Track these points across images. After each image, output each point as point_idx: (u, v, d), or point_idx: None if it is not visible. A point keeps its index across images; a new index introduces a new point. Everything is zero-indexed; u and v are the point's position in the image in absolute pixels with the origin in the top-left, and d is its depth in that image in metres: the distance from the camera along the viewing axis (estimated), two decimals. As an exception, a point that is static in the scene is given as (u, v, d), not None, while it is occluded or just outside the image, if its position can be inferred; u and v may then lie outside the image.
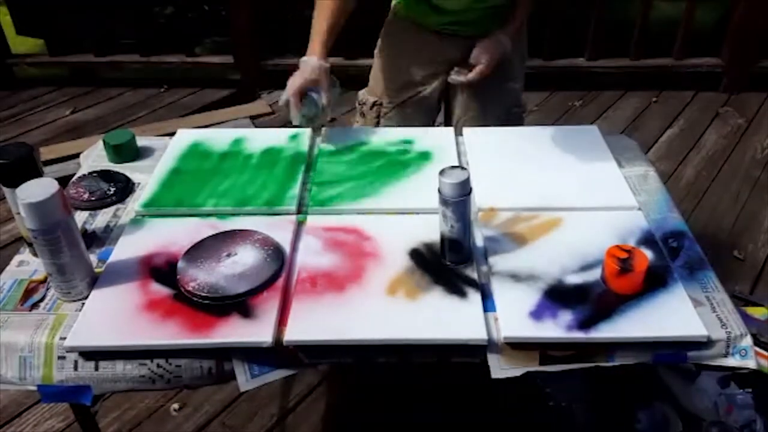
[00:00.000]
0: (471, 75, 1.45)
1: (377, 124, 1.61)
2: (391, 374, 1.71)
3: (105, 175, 1.28)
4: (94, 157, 1.39)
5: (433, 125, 1.67)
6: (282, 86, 1.33)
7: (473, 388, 1.64)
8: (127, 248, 1.09)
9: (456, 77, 1.49)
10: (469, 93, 1.55)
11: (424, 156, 1.32)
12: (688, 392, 1.33)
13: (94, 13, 3.34)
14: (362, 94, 1.65)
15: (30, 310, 0.99)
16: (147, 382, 0.93)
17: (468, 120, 1.57)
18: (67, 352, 0.93)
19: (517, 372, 0.92)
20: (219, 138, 1.40)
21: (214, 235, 1.10)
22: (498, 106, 1.56)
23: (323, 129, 1.42)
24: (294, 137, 1.39)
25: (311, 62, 1.30)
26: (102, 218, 1.19)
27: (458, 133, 1.42)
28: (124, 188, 1.26)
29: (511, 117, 1.59)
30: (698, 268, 1.04)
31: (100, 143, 1.39)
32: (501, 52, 1.45)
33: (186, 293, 0.98)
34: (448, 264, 1.04)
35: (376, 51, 1.61)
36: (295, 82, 1.30)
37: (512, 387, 0.95)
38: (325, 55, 1.32)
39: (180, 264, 1.03)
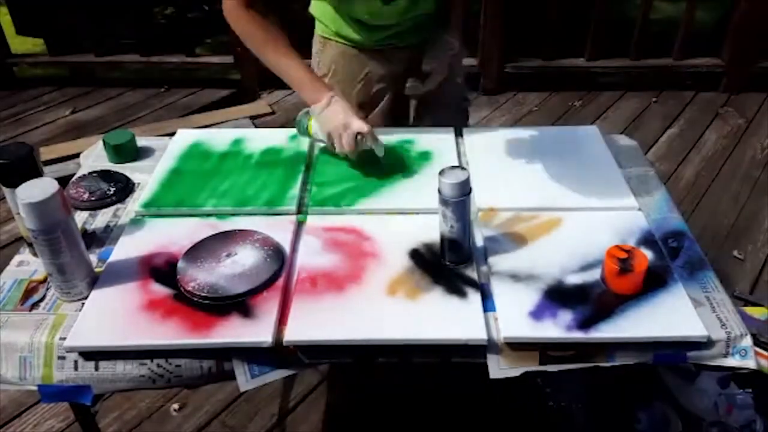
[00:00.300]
0: (428, 84, 1.40)
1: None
2: (390, 374, 1.71)
3: (105, 175, 1.28)
4: (94, 157, 1.39)
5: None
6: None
7: (472, 388, 1.64)
8: (127, 248, 1.09)
9: (413, 89, 1.42)
10: (421, 98, 1.51)
11: (424, 156, 1.32)
12: (688, 392, 1.33)
13: (94, 13, 3.34)
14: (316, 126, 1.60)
15: (30, 310, 0.99)
16: (147, 382, 0.93)
17: (421, 123, 1.54)
18: (67, 352, 0.93)
19: (516, 372, 0.92)
20: (219, 138, 1.40)
21: (214, 235, 1.09)
22: (449, 105, 1.54)
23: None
24: (294, 137, 1.39)
25: (341, 102, 1.23)
26: (102, 218, 1.19)
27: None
28: (124, 188, 1.26)
29: (461, 112, 1.59)
30: (698, 268, 1.04)
31: (100, 143, 1.39)
32: (451, 54, 1.42)
33: (186, 293, 0.98)
34: (448, 264, 1.04)
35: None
36: (352, 124, 1.20)
37: (512, 387, 0.95)
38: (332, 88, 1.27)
39: (180, 264, 1.03)
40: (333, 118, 1.22)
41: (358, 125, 1.21)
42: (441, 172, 0.98)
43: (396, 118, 1.54)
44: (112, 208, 1.21)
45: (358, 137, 1.21)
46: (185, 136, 1.41)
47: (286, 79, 1.30)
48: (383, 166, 1.26)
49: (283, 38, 1.29)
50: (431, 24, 1.43)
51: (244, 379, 0.93)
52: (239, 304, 0.96)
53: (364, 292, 0.99)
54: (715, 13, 3.55)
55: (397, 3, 1.32)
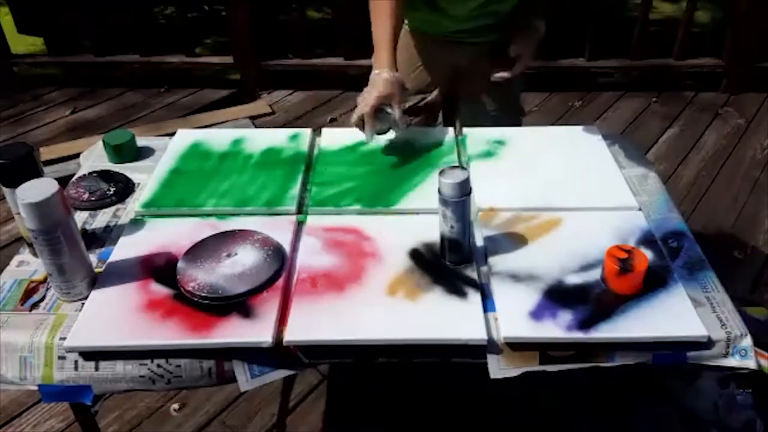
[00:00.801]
0: (516, 69, 1.37)
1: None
2: (390, 374, 1.71)
3: (105, 175, 1.28)
4: (94, 157, 1.39)
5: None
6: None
7: (473, 388, 1.64)
8: (127, 248, 1.09)
9: (500, 74, 1.38)
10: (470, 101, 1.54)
11: (425, 156, 1.32)
12: (688, 392, 1.33)
13: (94, 12, 3.34)
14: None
15: (30, 310, 0.99)
16: (147, 382, 0.93)
17: (473, 118, 1.55)
18: (67, 352, 0.93)
19: (516, 372, 0.92)
20: (219, 138, 1.40)
21: (214, 235, 1.10)
22: (497, 117, 1.56)
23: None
24: (294, 137, 1.39)
25: (383, 75, 1.24)
26: (102, 218, 1.19)
27: (458, 133, 1.41)
28: (124, 188, 1.26)
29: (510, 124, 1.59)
30: (698, 268, 1.04)
31: (100, 143, 1.39)
32: (537, 39, 1.40)
33: (186, 293, 0.98)
34: (448, 264, 1.04)
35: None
36: (369, 98, 1.23)
37: (512, 387, 0.95)
38: (395, 64, 1.27)
39: (180, 264, 1.03)
40: (366, 91, 1.25)
41: (360, 107, 1.23)
42: (441, 172, 0.98)
43: (440, 109, 1.58)
44: (112, 208, 1.21)
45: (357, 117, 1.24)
46: (185, 136, 1.41)
47: (373, 38, 1.31)
48: (390, 158, 1.29)
49: (391, 7, 1.29)
50: (499, 29, 1.43)
51: (244, 379, 0.93)
52: (239, 304, 0.96)
53: (364, 292, 0.99)
54: (715, 13, 3.55)
55: None
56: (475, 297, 0.97)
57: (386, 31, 1.28)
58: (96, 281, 1.01)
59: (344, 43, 3.21)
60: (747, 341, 0.92)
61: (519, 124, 1.63)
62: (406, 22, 1.49)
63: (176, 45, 3.41)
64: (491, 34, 1.46)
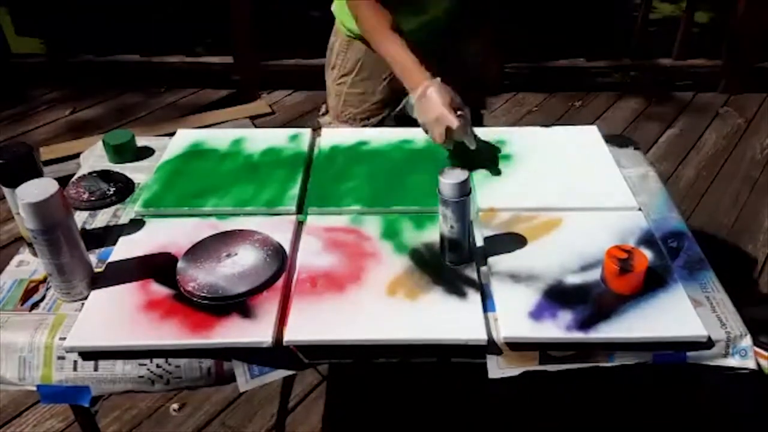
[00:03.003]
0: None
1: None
2: (390, 374, 1.71)
3: (105, 175, 1.28)
4: (94, 157, 1.39)
5: None
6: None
7: (473, 388, 1.64)
8: (127, 248, 1.09)
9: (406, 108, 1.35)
10: None
11: (424, 156, 1.32)
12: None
13: (94, 12, 3.34)
14: (326, 121, 1.60)
15: (30, 310, 0.99)
16: (146, 383, 0.93)
17: None
18: (66, 352, 0.93)
19: (515, 372, 0.92)
20: (219, 138, 1.40)
21: (214, 235, 1.09)
22: None
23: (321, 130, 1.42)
24: (294, 137, 1.39)
25: (433, 88, 1.21)
26: (102, 218, 1.19)
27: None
28: (124, 188, 1.25)
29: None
30: (698, 268, 1.04)
31: (100, 143, 1.39)
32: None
33: (186, 293, 0.98)
34: (448, 264, 1.04)
35: (333, 76, 1.54)
36: (442, 113, 1.19)
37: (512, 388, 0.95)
38: (429, 74, 1.25)
39: (180, 264, 1.03)
40: (428, 109, 1.22)
41: (449, 119, 1.19)
42: (441, 172, 0.98)
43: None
44: (112, 208, 1.21)
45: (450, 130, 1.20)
46: (185, 136, 1.41)
47: (390, 62, 1.30)
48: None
49: (390, 22, 1.29)
50: (447, 34, 1.42)
51: (244, 379, 0.93)
52: (239, 304, 0.96)
53: (364, 292, 0.99)
54: (715, 13, 3.55)
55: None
56: (474, 297, 0.97)
57: (404, 51, 1.27)
58: (96, 281, 1.01)
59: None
60: (747, 341, 0.92)
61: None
62: (351, 34, 1.46)
63: (176, 45, 3.41)
64: (438, 43, 1.42)
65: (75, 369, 0.93)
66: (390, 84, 1.47)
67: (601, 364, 0.92)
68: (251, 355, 0.92)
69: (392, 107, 1.47)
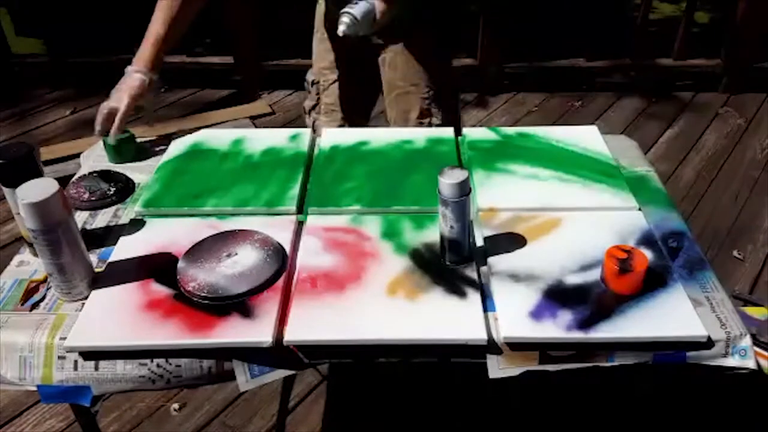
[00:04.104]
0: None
1: (318, 101, 1.67)
2: (390, 374, 1.71)
3: (105, 175, 1.28)
4: (94, 157, 1.39)
5: (374, 100, 1.73)
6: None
7: (472, 388, 1.64)
8: (127, 248, 1.09)
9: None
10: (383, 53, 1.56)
11: (424, 156, 1.32)
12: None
13: (93, 13, 3.34)
14: (308, 74, 1.71)
15: (30, 310, 0.99)
16: (147, 382, 0.93)
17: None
18: (67, 352, 0.93)
19: (515, 372, 0.92)
20: (219, 138, 1.40)
21: (214, 235, 1.10)
22: (419, 57, 1.55)
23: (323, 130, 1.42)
24: (294, 137, 1.39)
25: (127, 79, 1.31)
26: (102, 218, 1.19)
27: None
28: (124, 188, 1.26)
29: (439, 64, 1.60)
30: (698, 268, 1.04)
31: (100, 143, 1.39)
32: None
33: (186, 293, 0.98)
34: (448, 264, 1.04)
35: (315, 31, 1.65)
36: (122, 100, 1.29)
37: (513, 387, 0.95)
38: (156, 66, 1.31)
39: (180, 264, 1.03)
40: (116, 87, 1.31)
41: (110, 107, 1.28)
42: (441, 172, 0.98)
43: (365, 80, 1.62)
44: (112, 208, 1.21)
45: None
46: (185, 137, 1.41)
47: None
48: (390, 157, 1.30)
49: None
50: None
51: (244, 379, 0.93)
52: (239, 304, 0.96)
53: (364, 292, 0.99)
54: (715, 13, 3.55)
55: None
56: (474, 297, 0.97)
57: (160, 34, 1.31)
58: (96, 281, 1.01)
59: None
60: (747, 341, 0.92)
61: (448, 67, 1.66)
62: None
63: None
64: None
65: (75, 369, 0.93)
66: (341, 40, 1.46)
67: (601, 364, 0.92)
68: (251, 355, 0.92)
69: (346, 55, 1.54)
